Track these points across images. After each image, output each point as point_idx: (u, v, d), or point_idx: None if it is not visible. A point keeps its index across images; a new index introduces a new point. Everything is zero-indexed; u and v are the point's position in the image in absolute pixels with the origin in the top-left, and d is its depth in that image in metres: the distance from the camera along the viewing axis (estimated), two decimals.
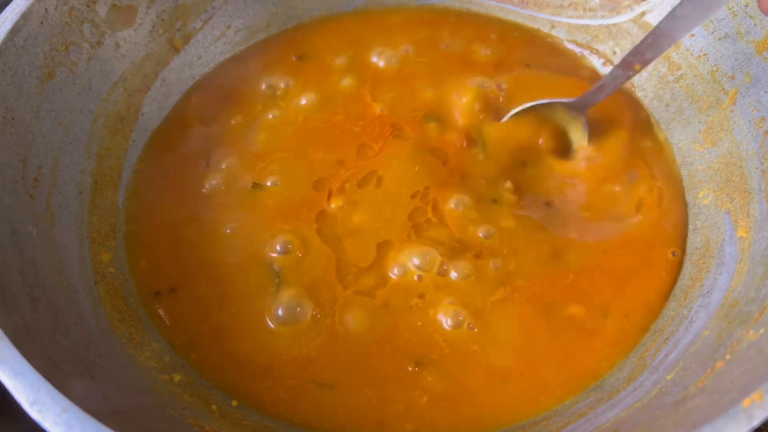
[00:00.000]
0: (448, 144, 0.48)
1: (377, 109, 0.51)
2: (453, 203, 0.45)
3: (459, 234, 0.44)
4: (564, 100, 0.48)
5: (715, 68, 0.47)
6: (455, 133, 0.49)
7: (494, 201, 0.45)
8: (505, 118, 0.49)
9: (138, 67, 0.50)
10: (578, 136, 0.49)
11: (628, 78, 0.44)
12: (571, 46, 0.56)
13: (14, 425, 0.40)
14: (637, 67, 0.43)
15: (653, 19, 0.52)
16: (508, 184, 0.46)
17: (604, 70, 0.55)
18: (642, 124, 0.51)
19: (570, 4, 0.56)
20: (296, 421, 0.38)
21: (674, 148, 0.49)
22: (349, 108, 0.51)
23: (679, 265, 0.43)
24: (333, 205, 0.45)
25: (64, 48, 0.44)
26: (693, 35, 0.49)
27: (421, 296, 0.41)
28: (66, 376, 0.31)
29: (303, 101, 0.52)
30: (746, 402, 0.27)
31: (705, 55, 0.48)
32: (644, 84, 0.52)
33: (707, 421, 0.27)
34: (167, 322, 0.42)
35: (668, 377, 0.36)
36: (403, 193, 0.45)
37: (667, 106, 0.50)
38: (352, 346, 0.40)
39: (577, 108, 0.48)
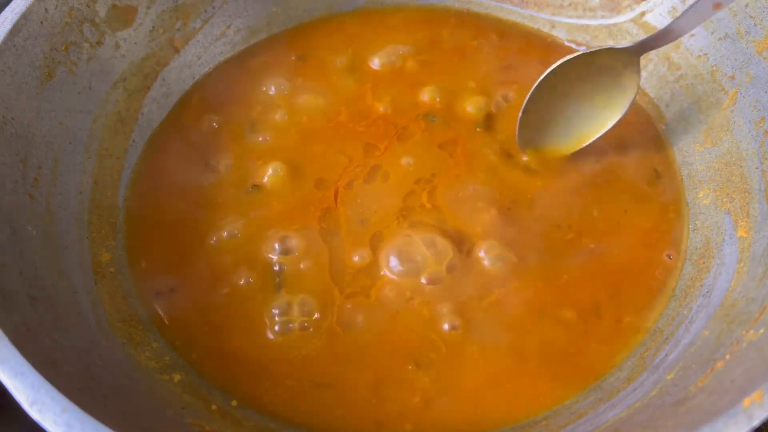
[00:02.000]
0: (453, 138, 0.49)
1: (380, 108, 0.51)
2: (453, 193, 0.45)
3: (457, 227, 0.44)
4: (615, 45, 0.44)
5: (715, 68, 0.47)
6: (457, 131, 0.49)
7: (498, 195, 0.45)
8: (540, 78, 0.45)
9: (138, 67, 0.50)
10: (631, 82, 0.44)
11: (700, 22, 0.39)
12: (571, 46, 0.56)
13: (14, 425, 0.40)
14: (716, 6, 0.37)
15: (653, 19, 0.52)
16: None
17: None
18: (641, 124, 0.51)
19: (570, 4, 0.56)
20: (296, 421, 0.38)
21: (674, 148, 0.49)
22: (351, 108, 0.51)
23: (679, 266, 0.43)
24: (339, 204, 0.45)
25: (64, 48, 0.44)
26: (693, 35, 0.49)
27: (421, 295, 0.41)
28: (66, 376, 0.31)
29: (304, 101, 0.52)
30: (746, 402, 0.27)
31: (705, 55, 0.48)
32: (644, 84, 0.52)
33: (707, 421, 0.27)
34: (167, 322, 0.42)
35: (668, 377, 0.36)
36: (407, 186, 0.46)
37: (667, 106, 0.50)
38: (351, 346, 0.40)
39: (629, 53, 0.43)
